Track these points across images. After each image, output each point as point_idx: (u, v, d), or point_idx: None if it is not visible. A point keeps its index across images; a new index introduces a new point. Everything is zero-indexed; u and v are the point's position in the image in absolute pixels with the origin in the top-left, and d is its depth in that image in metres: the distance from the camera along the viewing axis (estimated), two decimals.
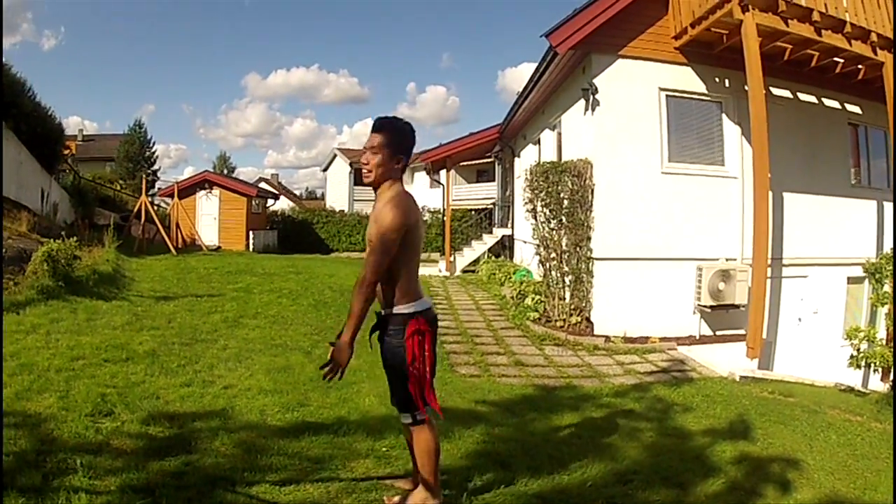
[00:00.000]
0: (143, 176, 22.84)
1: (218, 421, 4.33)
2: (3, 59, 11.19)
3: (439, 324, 3.28)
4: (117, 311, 8.24)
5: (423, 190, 32.65)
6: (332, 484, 3.44)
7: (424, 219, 27.91)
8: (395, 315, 3.04)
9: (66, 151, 22.47)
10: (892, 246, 8.47)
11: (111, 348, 6.11)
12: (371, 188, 3.11)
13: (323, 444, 4.07)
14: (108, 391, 4.68)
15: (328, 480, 3.48)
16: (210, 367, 5.97)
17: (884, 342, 8.18)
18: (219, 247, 23.52)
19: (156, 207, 21.96)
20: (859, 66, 10.15)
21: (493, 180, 24.25)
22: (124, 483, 3.15)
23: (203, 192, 24.82)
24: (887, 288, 8.17)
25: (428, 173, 23.44)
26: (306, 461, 3.75)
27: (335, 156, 42.86)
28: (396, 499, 3.28)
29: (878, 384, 9.21)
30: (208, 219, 24.60)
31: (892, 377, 7.80)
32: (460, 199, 28.03)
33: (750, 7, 8.49)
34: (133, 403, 4.47)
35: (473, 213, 26.55)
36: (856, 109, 11.39)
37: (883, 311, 8.85)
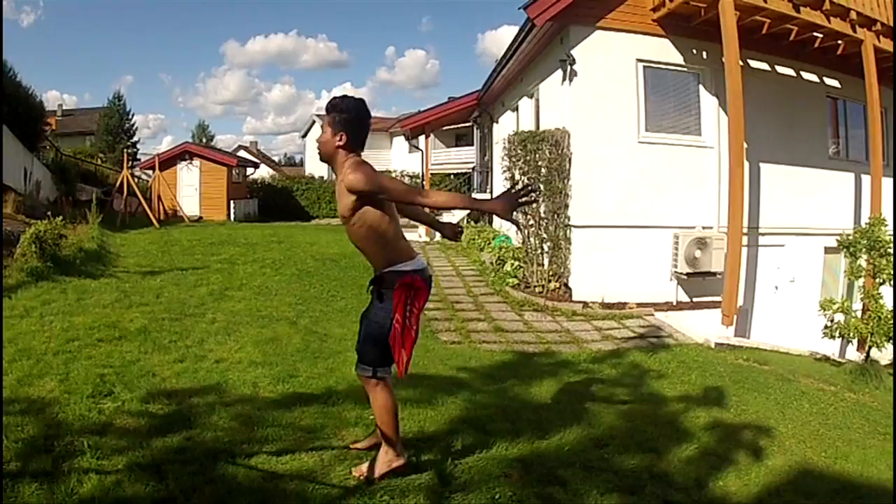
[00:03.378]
0: (124, 149, 22.63)
1: (213, 395, 4.44)
2: None
3: None
4: (106, 289, 8.31)
5: (402, 155, 32.57)
6: (326, 452, 3.56)
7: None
8: (390, 272, 3.12)
9: (47, 128, 22.18)
10: (867, 220, 8.62)
11: (103, 327, 6.18)
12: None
13: (314, 414, 4.17)
14: (106, 371, 4.78)
15: (321, 449, 3.60)
16: (200, 341, 6.07)
17: (858, 314, 8.39)
18: (200, 217, 23.45)
19: (136, 180, 21.83)
20: (839, 42, 10.19)
21: (472, 145, 24.16)
22: (131, 461, 3.24)
23: (184, 163, 24.68)
24: (862, 262, 8.33)
25: (407, 139, 23.39)
26: (300, 431, 3.87)
27: (314, 122, 42.33)
28: (363, 467, 3.31)
29: (854, 354, 9.43)
30: (189, 190, 24.49)
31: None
32: (439, 164, 27.87)
33: None
34: (131, 382, 4.58)
35: (452, 177, 26.49)
36: (835, 83, 11.45)
37: (858, 283, 9.07)
